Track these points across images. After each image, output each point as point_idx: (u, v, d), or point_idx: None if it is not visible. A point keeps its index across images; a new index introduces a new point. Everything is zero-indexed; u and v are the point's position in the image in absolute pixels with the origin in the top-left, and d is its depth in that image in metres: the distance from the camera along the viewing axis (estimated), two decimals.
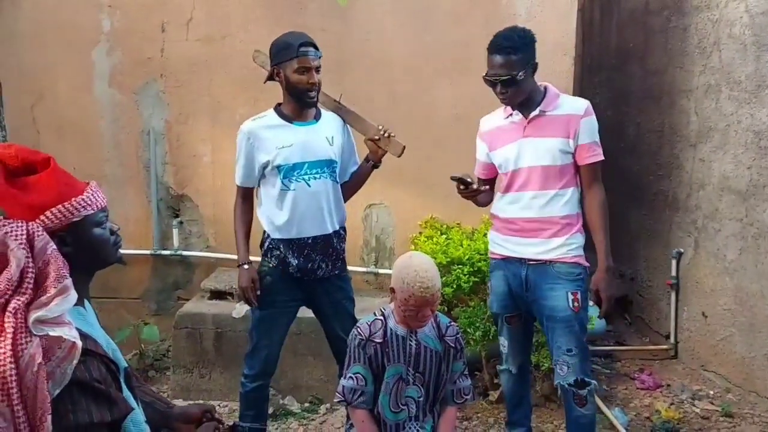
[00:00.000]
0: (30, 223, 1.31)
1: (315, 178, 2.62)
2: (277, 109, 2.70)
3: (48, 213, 1.35)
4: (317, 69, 2.59)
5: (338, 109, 2.78)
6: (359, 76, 3.80)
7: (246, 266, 2.67)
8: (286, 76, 2.59)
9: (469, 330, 3.27)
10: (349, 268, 2.90)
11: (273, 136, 2.62)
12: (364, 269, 4.01)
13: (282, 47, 2.60)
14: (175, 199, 4.13)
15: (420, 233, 3.77)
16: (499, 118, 2.69)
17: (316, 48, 2.60)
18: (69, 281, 1.27)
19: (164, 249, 4.12)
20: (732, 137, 3.59)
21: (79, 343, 1.24)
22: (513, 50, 2.47)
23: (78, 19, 3.99)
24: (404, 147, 2.70)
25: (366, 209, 3.95)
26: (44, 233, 1.31)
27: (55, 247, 1.30)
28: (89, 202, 1.42)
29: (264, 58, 2.80)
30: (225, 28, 3.94)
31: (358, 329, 2.27)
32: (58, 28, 4.00)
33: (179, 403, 3.44)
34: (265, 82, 2.72)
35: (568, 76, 3.77)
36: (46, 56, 4.02)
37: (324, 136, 2.67)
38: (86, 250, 1.43)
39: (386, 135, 2.68)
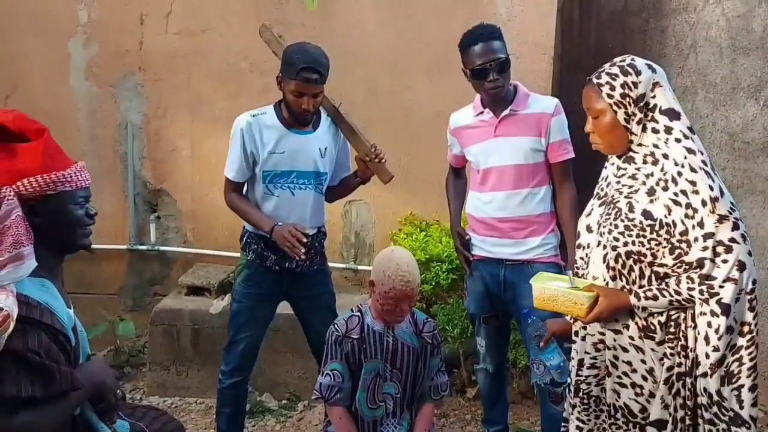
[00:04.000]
0: (4, 188, 1.32)
1: (300, 188, 2.60)
2: (277, 108, 2.63)
3: (25, 181, 1.37)
4: (315, 95, 2.50)
5: (335, 115, 2.70)
6: (339, 71, 3.71)
7: (279, 224, 2.53)
8: (284, 91, 2.54)
9: (447, 327, 3.28)
10: (329, 264, 2.88)
11: (267, 138, 2.57)
12: (343, 265, 3.99)
13: (287, 62, 2.52)
14: (152, 194, 4.08)
15: (399, 230, 3.77)
16: (468, 116, 2.68)
17: (321, 74, 2.48)
18: (26, 250, 1.25)
19: (141, 244, 4.07)
20: (707, 138, 3.63)
21: (14, 313, 1.22)
22: (495, 36, 2.50)
23: (54, 10, 3.91)
24: (392, 177, 2.65)
25: (345, 206, 3.93)
26: (15, 199, 1.32)
27: (20, 214, 1.30)
28: (69, 180, 1.43)
29: (270, 35, 2.69)
30: (205, 21, 3.89)
31: (335, 326, 2.28)
32: (33, 17, 3.92)
33: (155, 400, 3.41)
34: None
35: (547, 75, 3.79)
36: (21, 46, 3.93)
37: (318, 147, 2.63)
38: (56, 225, 1.44)
39: (377, 159, 2.61)
